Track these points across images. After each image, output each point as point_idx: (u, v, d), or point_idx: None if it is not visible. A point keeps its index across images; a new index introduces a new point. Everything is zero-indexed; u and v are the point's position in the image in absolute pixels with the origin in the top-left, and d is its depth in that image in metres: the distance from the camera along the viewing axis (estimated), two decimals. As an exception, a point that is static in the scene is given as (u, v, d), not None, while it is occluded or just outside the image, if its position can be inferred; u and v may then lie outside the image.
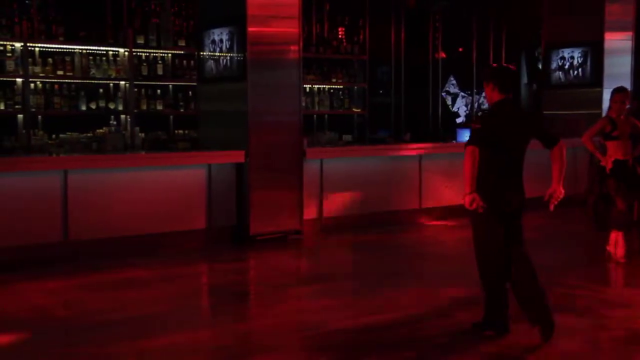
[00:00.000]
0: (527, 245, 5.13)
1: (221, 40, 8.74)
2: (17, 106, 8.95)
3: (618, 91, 7.50)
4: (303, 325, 5.48)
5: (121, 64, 9.58)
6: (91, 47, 9.40)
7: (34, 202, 7.30)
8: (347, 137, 11.07)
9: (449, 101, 15.05)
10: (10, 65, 8.88)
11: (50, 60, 9.11)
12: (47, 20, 9.12)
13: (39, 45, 9.11)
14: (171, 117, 10.28)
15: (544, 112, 12.96)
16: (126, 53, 9.57)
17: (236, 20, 8.43)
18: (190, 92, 10.09)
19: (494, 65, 5.43)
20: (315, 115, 11.54)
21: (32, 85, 9.04)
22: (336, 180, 9.25)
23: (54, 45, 9.19)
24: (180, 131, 10.26)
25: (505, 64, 5.30)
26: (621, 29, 12.10)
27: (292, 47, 8.60)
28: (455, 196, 9.06)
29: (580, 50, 12.43)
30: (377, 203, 9.61)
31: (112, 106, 9.52)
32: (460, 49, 14.25)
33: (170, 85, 10.18)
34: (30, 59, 8.98)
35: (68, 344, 5.13)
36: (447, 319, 5.51)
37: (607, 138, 7.44)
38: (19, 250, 7.10)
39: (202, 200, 8.29)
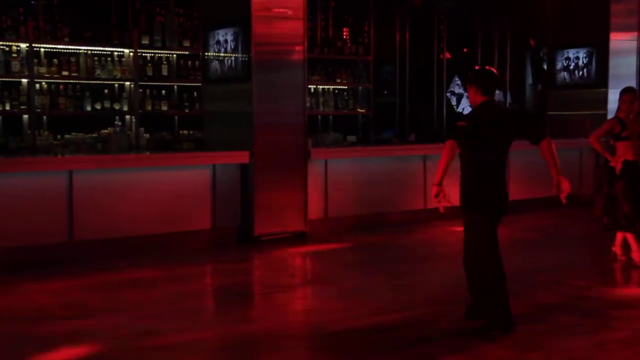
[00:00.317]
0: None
1: (226, 41, 8.75)
2: (22, 106, 8.98)
3: (626, 91, 7.47)
4: (308, 326, 5.48)
5: (126, 65, 9.60)
6: (96, 48, 9.43)
7: (39, 202, 7.31)
8: (352, 138, 11.06)
9: (453, 101, 15.01)
10: (15, 65, 8.91)
11: (55, 60, 9.13)
12: (52, 21, 9.15)
13: (45, 45, 9.14)
14: (176, 117, 10.30)
15: (549, 112, 12.94)
16: (131, 54, 9.58)
17: (241, 20, 8.44)
18: (195, 93, 10.10)
19: (477, 68, 5.50)
20: (319, 116, 11.53)
21: (37, 85, 9.07)
22: (341, 180, 9.25)
23: (59, 46, 9.21)
24: (185, 132, 10.27)
25: (487, 67, 5.38)
26: (626, 29, 12.08)
27: (297, 48, 8.61)
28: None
29: (585, 51, 12.40)
30: (381, 203, 9.60)
31: (117, 107, 9.54)
32: (465, 50, 14.22)
33: (175, 86, 10.19)
34: (35, 60, 9.00)
35: (71, 344, 5.14)
36: (452, 320, 5.50)
37: (616, 139, 7.40)
38: (24, 250, 7.12)
39: (206, 200, 8.29)
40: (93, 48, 9.39)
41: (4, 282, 6.53)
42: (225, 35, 8.76)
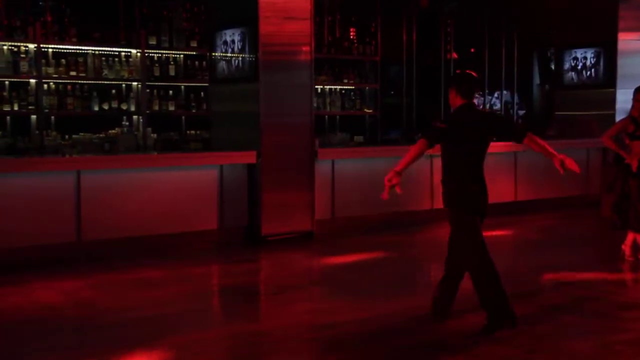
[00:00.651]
0: None
1: (233, 41, 8.76)
2: (30, 107, 9.00)
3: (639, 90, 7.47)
4: (314, 327, 5.48)
5: (134, 65, 9.62)
6: (104, 48, 9.44)
7: (47, 202, 7.34)
8: (359, 138, 11.06)
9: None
10: (24, 66, 8.94)
11: (63, 61, 9.16)
12: (60, 22, 9.17)
13: (52, 46, 9.16)
14: (183, 117, 10.31)
15: (556, 112, 12.91)
16: (138, 54, 9.61)
17: (248, 21, 8.45)
18: (202, 93, 10.11)
19: (457, 71, 5.58)
20: (326, 116, 11.52)
21: (45, 86, 9.10)
22: (348, 180, 9.25)
23: (67, 46, 9.23)
24: (192, 132, 10.28)
25: (467, 71, 5.42)
26: (635, 29, 12.03)
27: (304, 48, 8.61)
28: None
29: (593, 51, 12.37)
30: (389, 204, 9.54)
31: (124, 107, 9.56)
32: (472, 50, 14.19)
33: (183, 86, 10.21)
34: (43, 60, 9.03)
35: (79, 343, 5.17)
36: (459, 321, 5.49)
37: (632, 138, 7.38)
38: (32, 250, 7.15)
39: (214, 200, 8.31)
40: (101, 48, 9.42)
41: (13, 282, 6.56)
42: (232, 35, 8.78)
